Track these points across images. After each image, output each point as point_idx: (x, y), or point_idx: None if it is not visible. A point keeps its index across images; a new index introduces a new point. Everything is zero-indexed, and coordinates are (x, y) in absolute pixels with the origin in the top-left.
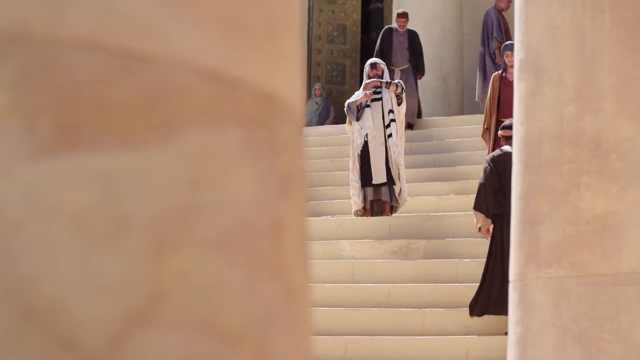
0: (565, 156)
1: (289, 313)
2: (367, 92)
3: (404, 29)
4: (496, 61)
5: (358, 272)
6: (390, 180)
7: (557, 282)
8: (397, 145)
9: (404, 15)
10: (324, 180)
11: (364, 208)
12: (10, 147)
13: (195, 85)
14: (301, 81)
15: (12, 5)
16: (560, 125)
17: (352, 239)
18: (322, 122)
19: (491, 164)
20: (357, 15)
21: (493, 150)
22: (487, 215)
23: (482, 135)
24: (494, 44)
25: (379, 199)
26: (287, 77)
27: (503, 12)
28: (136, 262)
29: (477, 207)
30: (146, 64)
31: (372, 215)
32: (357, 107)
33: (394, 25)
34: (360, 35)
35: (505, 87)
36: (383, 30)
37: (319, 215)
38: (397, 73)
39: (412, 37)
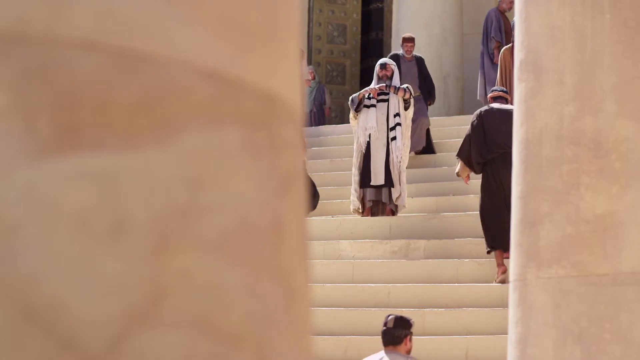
0: (565, 156)
1: (289, 313)
2: (375, 87)
3: (411, 55)
4: (494, 61)
5: (358, 272)
6: (389, 183)
7: (557, 282)
8: (400, 150)
9: (410, 40)
10: (324, 180)
11: (362, 208)
12: (10, 147)
13: (195, 85)
14: (301, 81)
15: (12, 5)
16: (560, 125)
17: (352, 239)
18: (318, 107)
19: (478, 118)
20: (357, 15)
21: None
22: (467, 164)
23: None
24: (492, 44)
25: (379, 200)
26: (287, 77)
27: (506, 13)
28: (136, 262)
29: (460, 154)
30: (146, 64)
31: (372, 215)
32: (360, 100)
33: (400, 51)
34: (360, 36)
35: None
36: (389, 56)
37: (319, 215)
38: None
39: (420, 63)
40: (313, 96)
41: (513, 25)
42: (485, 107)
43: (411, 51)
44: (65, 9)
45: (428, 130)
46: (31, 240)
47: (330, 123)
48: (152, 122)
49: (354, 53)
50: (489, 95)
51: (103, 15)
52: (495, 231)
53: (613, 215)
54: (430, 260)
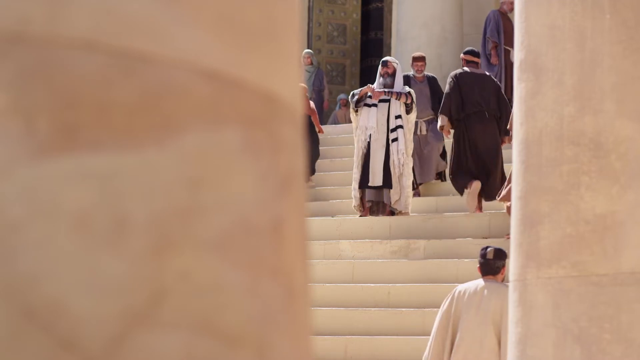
0: (565, 156)
1: (289, 313)
2: (376, 90)
3: (422, 75)
4: (491, 61)
5: (358, 272)
6: (388, 184)
7: (557, 282)
8: (403, 153)
9: (420, 59)
10: (324, 180)
11: (362, 206)
12: (10, 147)
13: (195, 85)
14: (301, 81)
15: (12, 5)
16: (560, 125)
17: (352, 239)
18: (317, 92)
19: (454, 79)
20: (357, 15)
21: None
22: (450, 119)
23: (508, 141)
24: (489, 45)
25: (380, 200)
26: (287, 77)
27: (508, 15)
28: (136, 262)
29: (443, 111)
30: (146, 64)
31: (371, 215)
32: (361, 97)
33: (411, 71)
34: (360, 36)
35: None
36: None
37: (319, 215)
38: (422, 125)
39: (432, 83)
40: (311, 82)
41: None
42: (460, 71)
43: (422, 70)
44: (65, 9)
45: (444, 152)
46: (31, 240)
47: (329, 111)
48: (152, 122)
49: (354, 53)
50: (462, 56)
51: (103, 15)
52: (463, 177)
53: (613, 215)
54: (430, 260)
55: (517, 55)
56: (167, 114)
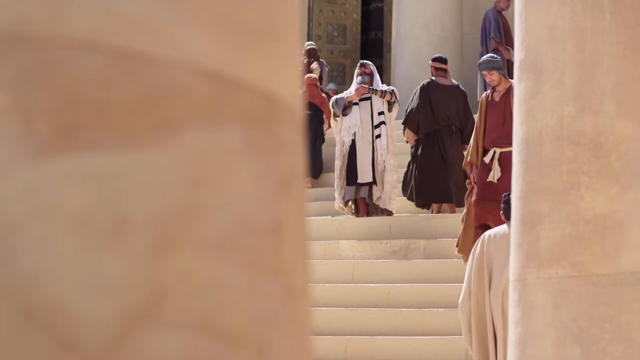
0: (565, 156)
1: (289, 313)
2: (359, 85)
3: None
4: None
5: (358, 272)
6: (375, 181)
7: (557, 282)
8: (385, 149)
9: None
10: (324, 180)
11: (357, 208)
12: (10, 147)
13: (195, 85)
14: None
15: (12, 5)
16: (560, 125)
17: (352, 239)
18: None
19: (423, 91)
20: (357, 15)
21: (481, 190)
22: (416, 133)
23: (464, 165)
24: (491, 44)
25: (358, 197)
26: (287, 77)
27: (504, 13)
28: (136, 262)
29: (410, 125)
30: (146, 64)
31: (368, 215)
32: (346, 104)
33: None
34: (360, 36)
35: (491, 109)
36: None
37: (319, 215)
38: None
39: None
40: None
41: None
42: (428, 80)
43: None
44: (65, 9)
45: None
46: (31, 240)
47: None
48: (152, 122)
49: (354, 53)
50: (431, 63)
51: (103, 15)
52: (428, 188)
53: (613, 215)
54: (430, 260)
55: (517, 55)
56: (167, 114)
